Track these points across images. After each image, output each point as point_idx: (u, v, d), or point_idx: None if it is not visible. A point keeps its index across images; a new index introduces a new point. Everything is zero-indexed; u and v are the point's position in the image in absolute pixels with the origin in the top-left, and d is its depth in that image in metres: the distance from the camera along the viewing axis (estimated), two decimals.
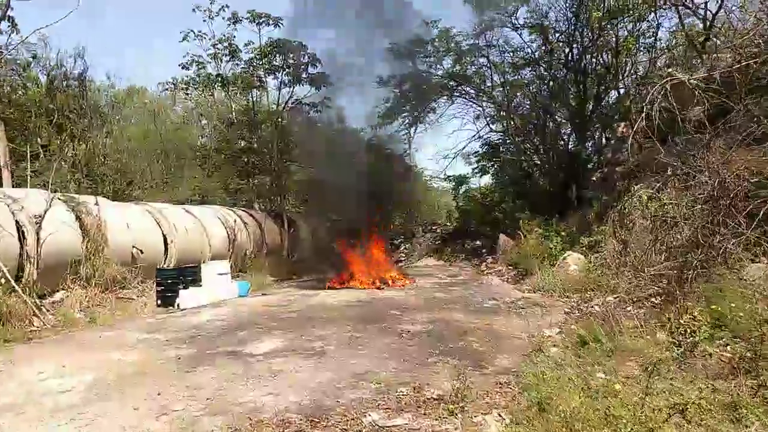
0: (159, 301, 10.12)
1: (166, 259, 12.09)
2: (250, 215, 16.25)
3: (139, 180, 16.17)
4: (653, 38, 13.01)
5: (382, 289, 11.71)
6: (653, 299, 7.60)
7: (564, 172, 15.72)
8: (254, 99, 18.53)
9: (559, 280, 11.45)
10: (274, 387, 4.59)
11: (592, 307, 8.10)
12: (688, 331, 4.81)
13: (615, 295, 8.29)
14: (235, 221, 14.73)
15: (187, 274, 10.48)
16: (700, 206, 8.16)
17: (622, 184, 12.79)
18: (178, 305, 9.83)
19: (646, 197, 11.36)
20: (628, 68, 14.03)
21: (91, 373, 5.21)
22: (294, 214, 19.79)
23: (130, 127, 18.60)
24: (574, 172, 15.55)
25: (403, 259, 20.01)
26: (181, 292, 9.92)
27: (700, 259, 6.95)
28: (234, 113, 19.03)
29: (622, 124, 14.73)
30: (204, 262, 12.45)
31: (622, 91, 16.05)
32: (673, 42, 12.67)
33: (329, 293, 11.19)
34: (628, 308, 7.63)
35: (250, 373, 5.02)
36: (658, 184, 10.01)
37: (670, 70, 12.58)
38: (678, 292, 6.50)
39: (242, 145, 18.82)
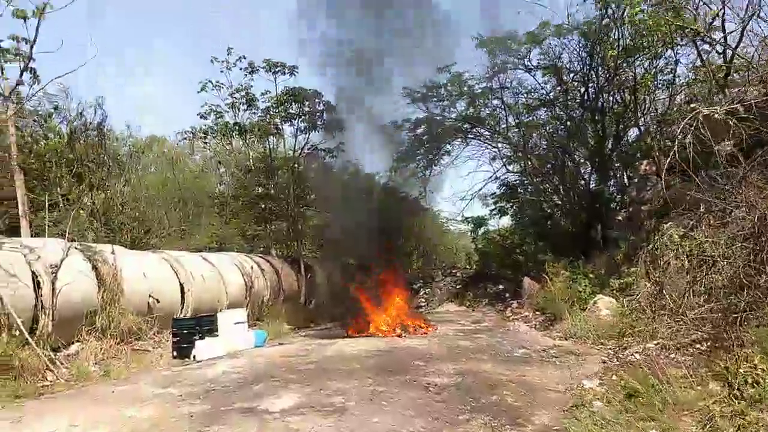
0: (175, 353, 9.84)
1: (182, 308, 11.89)
2: (267, 261, 16.07)
3: (156, 228, 16.20)
4: (671, 74, 12.89)
5: (403, 337, 11.28)
6: (698, 345, 7.11)
7: (586, 212, 15.35)
8: (271, 146, 18.73)
9: (591, 325, 10.93)
10: None
11: (632, 354, 7.59)
12: (749, 381, 4.36)
13: (655, 342, 7.79)
14: (252, 268, 14.54)
15: (203, 324, 10.23)
16: (739, 244, 7.76)
17: (649, 223, 12.41)
18: (194, 357, 9.54)
19: (677, 236, 10.98)
20: (646, 105, 13.84)
21: (104, 430, 4.92)
22: (310, 260, 19.57)
23: (149, 176, 18.88)
24: (597, 212, 15.19)
25: (423, 304, 19.51)
26: (197, 343, 9.64)
27: (747, 301, 6.50)
28: (251, 160, 19.23)
29: (645, 162, 14.46)
30: (221, 311, 12.21)
31: (641, 128, 15.87)
32: (693, 77, 12.51)
33: (347, 342, 10.79)
34: (671, 355, 7.15)
35: None
36: (691, 222, 9.63)
37: (692, 105, 12.41)
38: (727, 337, 6.03)
39: (259, 191, 18.90)
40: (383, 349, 9.38)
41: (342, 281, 14.97)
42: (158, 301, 11.06)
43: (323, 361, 8.24)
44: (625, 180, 15.09)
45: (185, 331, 9.86)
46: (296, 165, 18.34)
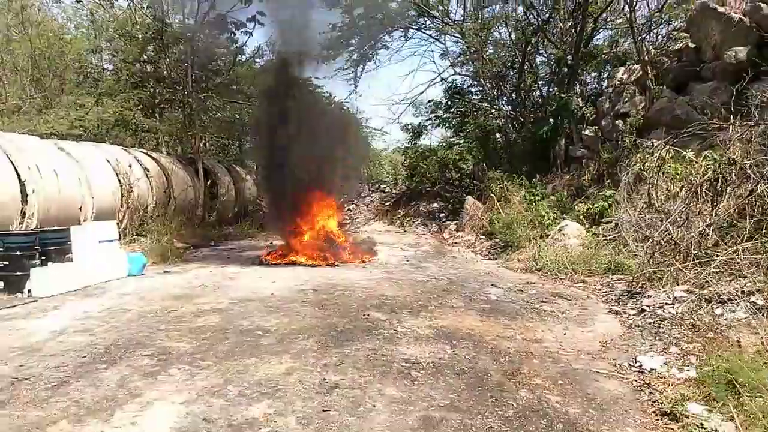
0: (1, 283, 6.75)
1: (22, 217, 8.48)
2: (153, 160, 12.66)
3: None
4: None
5: (337, 266, 8.88)
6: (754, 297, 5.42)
7: (546, 125, 13.37)
8: (164, 9, 14.39)
9: (559, 257, 9.22)
10: None
11: (660, 305, 5.78)
12: None
13: (684, 288, 6.04)
14: (130, 166, 11.11)
15: (48, 242, 7.13)
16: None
17: (629, 139, 10.64)
18: (29, 292, 6.55)
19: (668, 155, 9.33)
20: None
21: None
22: (212, 162, 16.22)
23: None
24: (558, 125, 13.25)
25: (348, 222, 17.16)
26: (35, 271, 6.57)
27: None
28: (137, 26, 14.78)
29: (621, 69, 12.55)
30: (82, 223, 9.02)
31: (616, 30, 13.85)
32: None
33: (264, 272, 8.24)
34: (717, 310, 5.42)
35: None
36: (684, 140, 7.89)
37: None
38: None
39: (148, 69, 14.78)
40: (318, 287, 6.95)
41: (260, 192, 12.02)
42: None
43: (232, 311, 5.64)
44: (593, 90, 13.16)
45: (17, 252, 6.72)
46: (197, 37, 14.30)
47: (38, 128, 10.94)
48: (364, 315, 5.39)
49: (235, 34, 15.59)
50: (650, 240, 7.39)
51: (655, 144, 9.89)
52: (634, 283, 6.92)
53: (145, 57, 15.12)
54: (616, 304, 6.51)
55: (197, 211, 14.12)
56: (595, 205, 10.57)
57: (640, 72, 11.81)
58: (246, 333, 4.77)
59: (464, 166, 20.33)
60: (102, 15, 16.02)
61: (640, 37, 10.92)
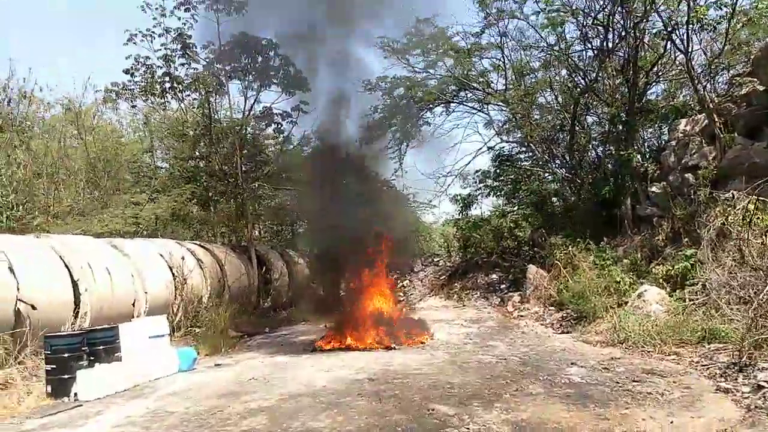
0: (49, 387, 6.53)
1: (76, 317, 8.46)
2: (206, 250, 12.73)
3: (47, 204, 12.38)
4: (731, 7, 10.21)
5: (394, 349, 8.25)
6: None
7: (607, 186, 12.66)
8: (212, 106, 15.16)
9: (643, 327, 8.25)
10: None
11: None
12: None
13: None
14: (183, 259, 11.16)
15: (96, 341, 6.96)
16: None
17: (704, 192, 9.77)
18: (75, 395, 6.28)
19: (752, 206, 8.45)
20: (688, 49, 11.13)
21: None
22: (265, 249, 16.27)
23: (52, 143, 14.88)
24: (621, 184, 12.52)
25: (402, 299, 16.52)
26: (81, 372, 6.34)
27: None
28: (188, 123, 15.59)
29: (683, 121, 11.89)
30: (134, 319, 8.92)
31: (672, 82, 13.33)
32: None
33: (316, 360, 7.73)
34: None
35: None
36: None
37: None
38: None
39: (200, 164, 15.36)
40: (375, 375, 6.33)
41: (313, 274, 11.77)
42: (34, 308, 7.67)
43: (280, 410, 5.09)
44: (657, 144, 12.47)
45: (65, 355, 6.55)
46: (245, 130, 14.88)
47: (93, 228, 11.29)
48: (428, 410, 4.72)
49: (281, 125, 16.18)
50: (750, 303, 6.43)
51: (736, 195, 9.03)
52: (739, 353, 5.93)
53: (197, 153, 15.80)
54: (723, 379, 5.55)
55: (252, 298, 13.95)
56: (676, 267, 9.58)
57: (706, 122, 11.13)
58: None
59: (520, 233, 19.59)
60: (156, 118, 17.11)
61: (701, 85, 10.32)
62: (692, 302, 8.54)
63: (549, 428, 4.11)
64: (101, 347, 6.90)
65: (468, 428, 4.17)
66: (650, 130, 13.65)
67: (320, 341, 8.69)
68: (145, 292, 10.04)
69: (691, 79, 10.69)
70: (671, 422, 4.25)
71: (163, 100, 15.57)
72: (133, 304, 9.79)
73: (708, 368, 6.11)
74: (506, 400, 4.98)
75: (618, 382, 5.67)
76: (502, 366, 6.63)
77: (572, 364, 6.71)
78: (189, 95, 15.06)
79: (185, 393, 6.13)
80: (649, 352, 7.56)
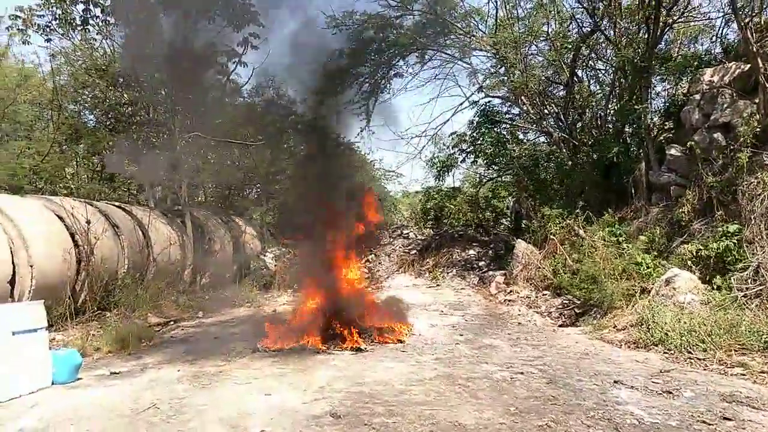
0: None
1: None
2: (126, 212, 10.28)
3: None
4: None
5: (364, 350, 6.25)
6: None
7: (618, 146, 10.85)
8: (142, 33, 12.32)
9: (684, 324, 6.58)
10: None
11: None
12: None
13: None
14: (89, 223, 8.72)
15: None
16: None
17: (745, 156, 8.05)
18: None
19: None
20: None
21: None
22: (205, 213, 13.87)
23: None
24: (630, 146, 10.76)
25: (367, 276, 14.55)
26: None
27: None
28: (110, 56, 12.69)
29: (709, 71, 10.12)
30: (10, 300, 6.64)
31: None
32: None
33: (257, 370, 5.62)
34: None
35: None
36: None
37: None
38: None
39: (123, 102, 12.65)
40: (341, 406, 4.30)
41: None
42: None
43: None
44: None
45: None
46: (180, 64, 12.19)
47: None
48: None
49: (225, 65, 13.56)
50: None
51: None
52: None
53: (125, 97, 13.06)
54: None
55: (185, 274, 11.63)
56: (710, 246, 7.91)
57: (738, 70, 9.41)
58: None
59: (499, 204, 17.84)
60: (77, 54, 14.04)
61: (743, 21, 8.49)
62: (742, 294, 6.93)
63: None
64: None
65: None
66: (663, 84, 11.86)
67: (265, 340, 6.53)
68: (31, 266, 7.63)
69: (734, 11, 8.87)
70: None
71: (86, 34, 12.64)
72: (11, 282, 7.39)
73: None
74: None
75: (698, 418, 3.88)
76: (523, 387, 4.73)
77: (616, 382, 4.88)
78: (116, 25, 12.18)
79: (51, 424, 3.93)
80: (699, 359, 5.88)
